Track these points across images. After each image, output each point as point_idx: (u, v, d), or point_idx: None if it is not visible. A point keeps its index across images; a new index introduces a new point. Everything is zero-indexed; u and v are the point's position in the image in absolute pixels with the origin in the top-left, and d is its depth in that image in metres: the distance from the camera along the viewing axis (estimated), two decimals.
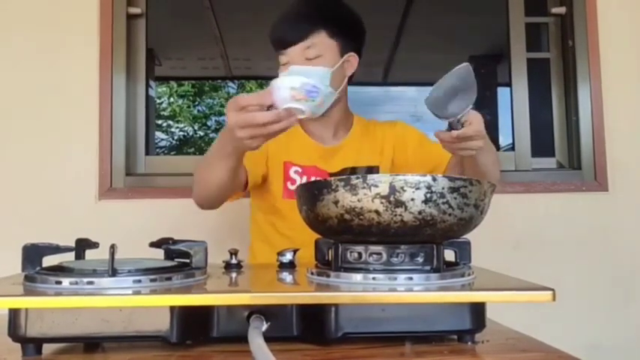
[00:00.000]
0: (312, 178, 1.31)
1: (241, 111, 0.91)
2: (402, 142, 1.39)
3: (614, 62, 1.89)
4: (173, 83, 3.46)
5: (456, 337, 0.74)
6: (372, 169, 1.35)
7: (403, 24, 2.72)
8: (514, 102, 1.98)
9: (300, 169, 1.34)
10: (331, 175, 1.32)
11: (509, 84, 2.00)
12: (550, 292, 0.68)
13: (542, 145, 2.01)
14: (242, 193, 1.33)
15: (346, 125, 1.42)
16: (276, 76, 0.97)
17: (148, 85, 1.95)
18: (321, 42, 1.25)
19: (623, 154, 1.86)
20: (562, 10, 1.97)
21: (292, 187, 1.32)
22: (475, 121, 0.97)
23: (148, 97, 1.95)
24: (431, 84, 0.96)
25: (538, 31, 2.06)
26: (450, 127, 0.97)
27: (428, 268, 0.76)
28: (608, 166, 1.86)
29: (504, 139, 2.35)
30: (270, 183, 1.35)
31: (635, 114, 1.88)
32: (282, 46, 1.26)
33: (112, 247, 0.69)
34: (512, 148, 1.97)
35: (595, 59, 1.89)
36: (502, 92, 2.86)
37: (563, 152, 1.98)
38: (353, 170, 1.34)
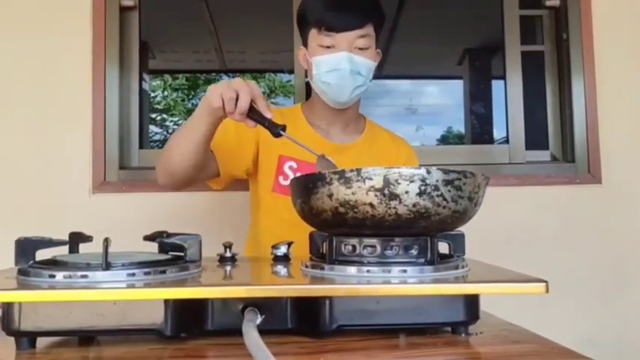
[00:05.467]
0: None
1: (245, 89, 0.95)
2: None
3: (608, 55, 1.89)
4: (167, 76, 3.44)
5: (449, 328, 0.74)
6: None
7: (398, 16, 2.72)
8: (508, 95, 1.98)
9: (295, 165, 1.29)
10: None
11: (503, 77, 2.00)
12: (543, 285, 0.68)
13: (536, 138, 2.01)
14: (216, 182, 1.30)
15: (357, 124, 1.40)
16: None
17: (141, 79, 1.94)
18: (370, 34, 1.26)
19: (616, 147, 1.87)
20: (556, 2, 1.96)
21: (284, 183, 1.28)
22: None
23: (141, 90, 1.94)
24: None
25: (532, 23, 2.06)
26: None
27: (422, 260, 0.76)
28: (601, 159, 1.86)
29: (498, 132, 2.35)
30: (259, 174, 1.31)
31: (629, 107, 1.89)
32: (337, 29, 1.23)
33: (106, 241, 0.69)
34: (507, 141, 1.97)
35: (589, 52, 1.89)
36: (496, 85, 2.86)
37: (557, 145, 1.98)
38: None
